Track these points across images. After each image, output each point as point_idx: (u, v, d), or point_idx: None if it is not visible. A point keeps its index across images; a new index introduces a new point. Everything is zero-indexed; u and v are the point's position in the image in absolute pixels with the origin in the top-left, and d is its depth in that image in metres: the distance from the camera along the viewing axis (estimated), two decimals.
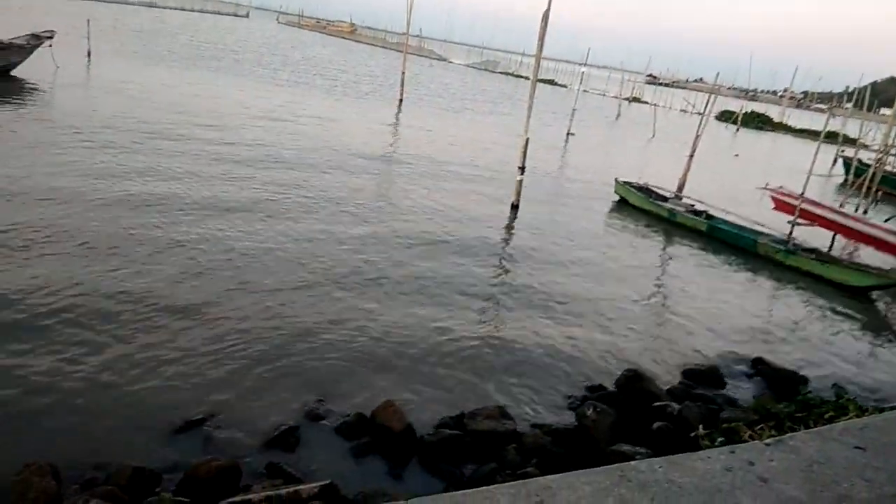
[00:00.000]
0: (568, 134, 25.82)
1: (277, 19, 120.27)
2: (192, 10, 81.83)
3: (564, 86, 62.76)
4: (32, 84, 17.79)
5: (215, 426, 4.81)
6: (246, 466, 4.34)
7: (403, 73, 28.16)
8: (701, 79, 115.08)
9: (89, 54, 24.77)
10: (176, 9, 76.84)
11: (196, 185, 10.68)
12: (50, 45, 19.39)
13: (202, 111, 17.56)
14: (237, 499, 3.69)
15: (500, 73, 71.62)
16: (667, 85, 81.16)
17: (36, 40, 19.10)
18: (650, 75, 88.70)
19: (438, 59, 78.52)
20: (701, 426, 5.06)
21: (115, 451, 4.36)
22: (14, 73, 18.26)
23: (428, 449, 4.86)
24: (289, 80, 28.83)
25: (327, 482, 3.90)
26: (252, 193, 10.76)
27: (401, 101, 27.42)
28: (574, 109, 27.77)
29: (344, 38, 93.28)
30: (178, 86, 21.60)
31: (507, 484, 2.62)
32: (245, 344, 5.98)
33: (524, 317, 7.66)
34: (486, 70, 73.26)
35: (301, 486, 3.83)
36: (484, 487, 2.57)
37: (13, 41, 18.36)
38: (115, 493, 3.82)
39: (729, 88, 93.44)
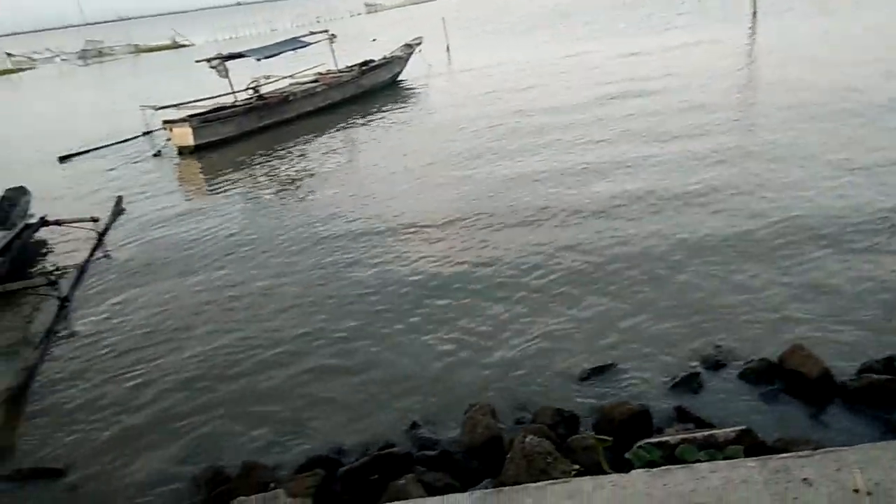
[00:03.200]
0: None
1: None
2: None
3: None
4: (414, 85, 20.81)
5: (617, 373, 5.10)
6: (654, 410, 4.52)
7: None
8: None
9: (448, 49, 27.80)
10: None
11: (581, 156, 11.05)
12: (420, 50, 22.30)
13: (537, 81, 18.30)
14: (654, 440, 3.88)
15: None
16: None
17: (409, 49, 22.16)
18: None
19: None
20: None
21: (536, 395, 4.96)
22: (399, 79, 21.54)
23: (852, 395, 4.41)
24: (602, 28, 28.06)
25: (744, 427, 3.84)
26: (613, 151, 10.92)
27: (754, 14, 24.30)
28: None
29: None
30: (504, 60, 22.90)
31: None
32: (632, 292, 6.19)
33: None
34: None
35: (716, 431, 3.85)
36: None
37: (394, 54, 21.63)
38: (544, 430, 4.34)
39: None
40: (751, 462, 2.53)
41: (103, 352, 6.54)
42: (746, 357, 5.01)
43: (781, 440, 3.98)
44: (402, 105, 18.12)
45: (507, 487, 2.93)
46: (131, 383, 5.89)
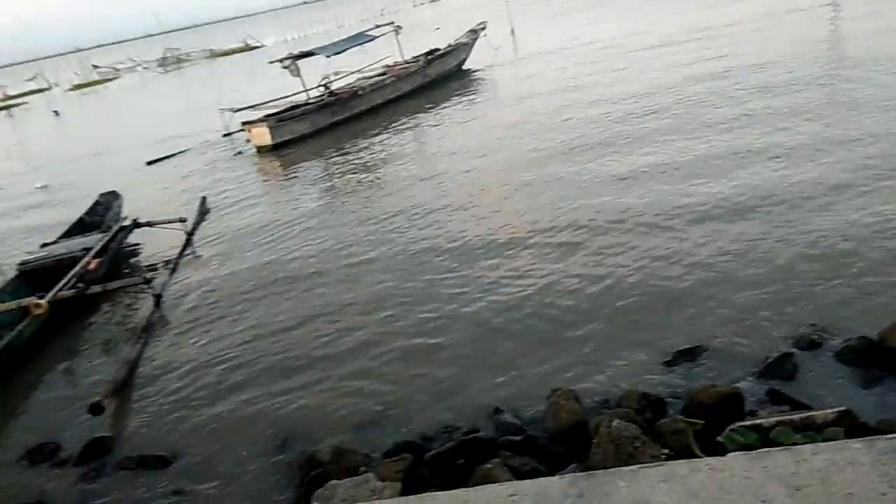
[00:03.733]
0: None
1: None
2: None
3: None
4: (480, 72, 20.74)
5: (704, 355, 4.96)
6: (745, 393, 4.37)
7: None
8: None
9: (513, 31, 27.53)
10: None
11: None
12: (485, 35, 22.17)
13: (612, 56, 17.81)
14: (747, 423, 3.77)
15: None
16: None
17: (473, 34, 22.07)
18: None
19: None
20: None
21: (619, 379, 4.89)
22: (465, 66, 21.50)
23: None
24: None
25: (843, 409, 3.67)
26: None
27: None
28: None
29: None
30: (572, 40, 22.37)
31: None
32: (718, 270, 6.01)
33: None
34: None
35: (814, 412, 3.70)
36: None
37: (459, 41, 21.58)
38: (630, 414, 4.29)
39: None
40: (856, 443, 2.42)
41: (197, 343, 6.88)
42: (844, 336, 4.78)
43: (885, 421, 3.78)
44: (469, 93, 18.07)
45: (599, 471, 2.92)
46: (224, 372, 6.18)
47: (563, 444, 4.34)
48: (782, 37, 15.45)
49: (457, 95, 17.87)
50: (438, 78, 20.01)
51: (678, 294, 5.82)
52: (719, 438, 3.67)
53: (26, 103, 53.47)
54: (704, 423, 4.01)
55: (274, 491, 4.53)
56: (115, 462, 5.20)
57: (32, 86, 70.75)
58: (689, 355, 4.99)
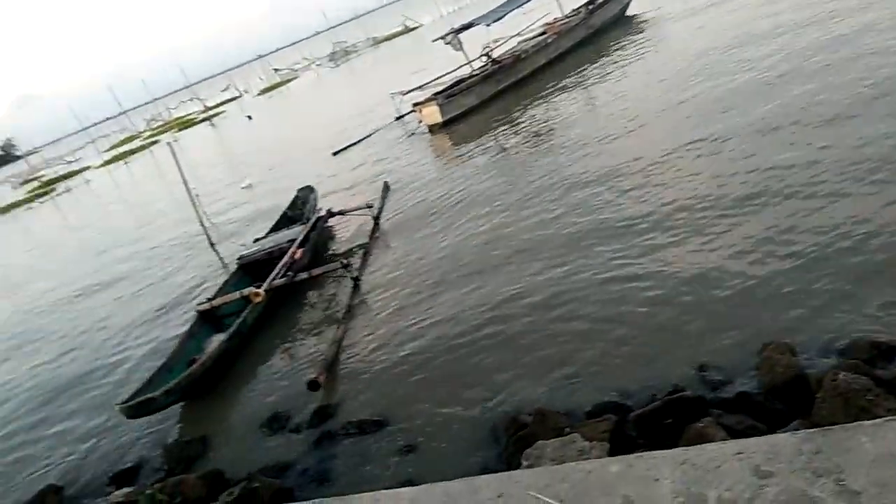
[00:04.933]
0: None
1: None
2: None
3: None
4: (648, 15, 19.58)
5: None
6: None
7: None
8: None
9: None
10: None
11: None
12: None
13: None
14: None
15: None
16: None
17: None
18: None
19: None
20: None
21: (837, 328, 4.48)
22: (629, 11, 20.42)
23: None
24: None
25: None
26: None
27: None
28: None
29: None
30: None
31: None
32: None
33: None
34: None
35: None
36: None
37: None
38: (859, 365, 3.91)
39: None
40: None
41: (395, 318, 7.32)
42: None
43: None
44: (636, 42, 17.09)
45: (837, 426, 2.71)
46: (422, 344, 6.52)
47: (781, 400, 4.08)
48: None
49: (622, 45, 17.05)
50: (603, 27, 19.21)
51: None
52: None
53: (224, 112, 59.42)
54: None
55: (484, 447, 4.75)
56: (339, 427, 5.73)
57: (226, 95, 78.50)
58: None
